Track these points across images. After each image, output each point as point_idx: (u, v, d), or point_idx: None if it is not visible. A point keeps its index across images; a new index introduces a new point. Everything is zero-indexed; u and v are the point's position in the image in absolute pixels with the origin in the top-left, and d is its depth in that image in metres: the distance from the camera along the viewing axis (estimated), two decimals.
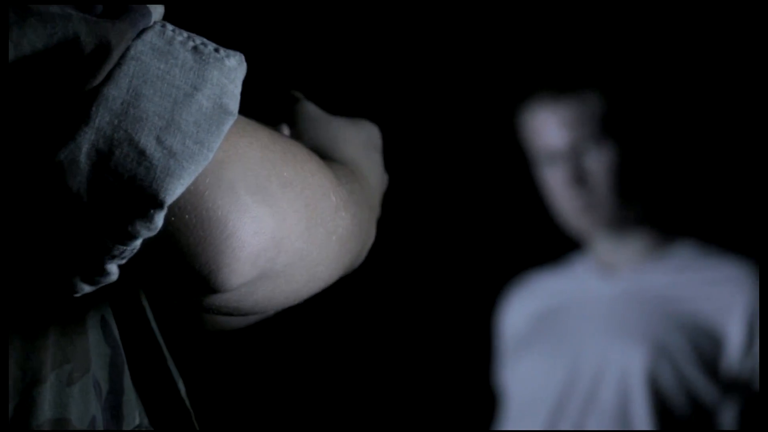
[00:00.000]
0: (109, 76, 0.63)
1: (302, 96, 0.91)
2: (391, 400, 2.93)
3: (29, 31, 0.62)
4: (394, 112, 2.87)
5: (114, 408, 0.73)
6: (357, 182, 0.82)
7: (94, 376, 0.71)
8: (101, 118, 0.63)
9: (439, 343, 2.93)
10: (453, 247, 2.95)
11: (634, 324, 2.12)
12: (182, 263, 0.66)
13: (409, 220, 2.92)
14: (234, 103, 0.66)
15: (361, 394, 2.93)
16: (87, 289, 0.65)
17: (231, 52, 0.68)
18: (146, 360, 0.76)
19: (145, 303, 0.77)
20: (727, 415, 2.09)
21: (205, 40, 0.67)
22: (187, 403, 0.78)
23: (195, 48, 0.66)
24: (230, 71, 0.67)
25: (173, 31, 0.66)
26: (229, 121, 0.65)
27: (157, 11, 0.67)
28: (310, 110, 0.90)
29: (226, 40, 0.74)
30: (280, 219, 0.68)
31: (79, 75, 0.63)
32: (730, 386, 2.09)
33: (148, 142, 0.63)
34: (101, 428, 0.71)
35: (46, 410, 0.68)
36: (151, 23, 0.66)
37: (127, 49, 0.64)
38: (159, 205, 0.63)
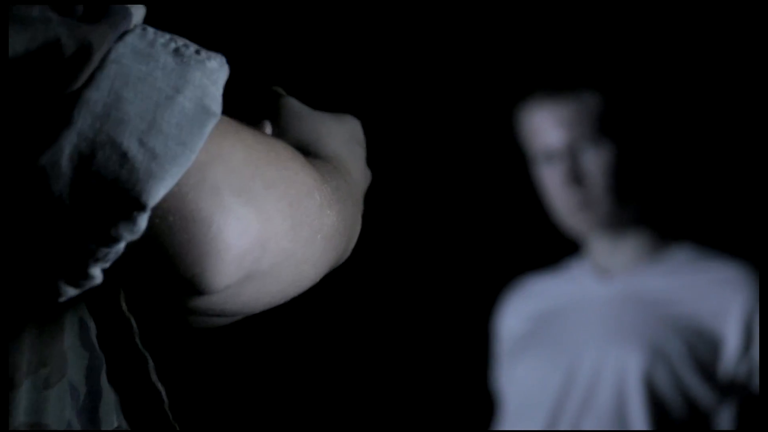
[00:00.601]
0: (91, 79, 0.63)
1: (284, 92, 0.91)
2: (388, 402, 2.93)
3: (10, 35, 0.62)
4: (394, 113, 2.87)
5: (91, 411, 0.72)
6: (341, 178, 0.82)
7: (71, 379, 0.71)
8: (83, 121, 0.62)
9: (436, 345, 2.93)
10: (450, 248, 2.94)
11: (630, 326, 2.12)
12: (167, 266, 0.66)
13: (407, 221, 2.91)
14: (216, 104, 0.66)
15: (357, 395, 2.93)
16: (71, 292, 0.65)
17: (212, 53, 0.68)
18: (125, 363, 0.76)
19: (125, 306, 0.77)
20: (724, 418, 2.08)
21: (186, 42, 0.67)
22: (167, 405, 0.78)
23: (176, 50, 0.66)
24: (212, 73, 0.67)
25: (154, 33, 0.67)
26: (212, 122, 0.65)
27: (139, 13, 0.67)
28: (293, 106, 0.90)
29: (209, 37, 0.74)
30: (265, 219, 0.68)
31: (60, 78, 0.63)
32: (727, 389, 2.08)
33: (131, 145, 0.63)
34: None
35: (20, 415, 0.68)
36: (132, 25, 0.66)
37: (108, 51, 0.64)
38: (142, 207, 0.63)
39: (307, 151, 0.84)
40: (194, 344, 2.80)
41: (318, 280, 0.78)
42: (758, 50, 2.59)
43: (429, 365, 2.93)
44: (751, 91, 2.68)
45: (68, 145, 0.62)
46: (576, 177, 2.13)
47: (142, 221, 0.63)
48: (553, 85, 2.15)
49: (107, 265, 0.65)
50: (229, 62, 0.69)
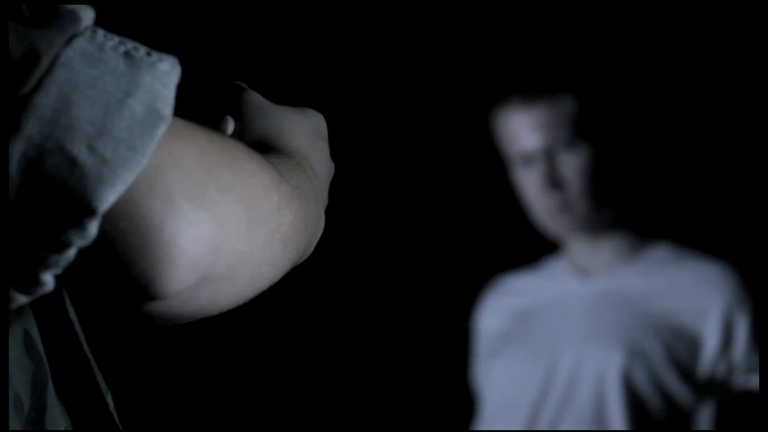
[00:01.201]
0: (39, 85, 0.62)
1: (247, 86, 0.90)
2: (367, 399, 2.93)
3: None
4: (373, 116, 2.87)
5: (36, 424, 0.71)
6: (303, 174, 0.81)
7: (15, 392, 0.70)
8: (31, 127, 0.62)
9: (414, 343, 2.93)
10: (429, 248, 2.95)
11: (610, 325, 2.12)
12: (120, 271, 0.65)
13: (387, 222, 2.91)
14: (167, 107, 0.65)
15: (337, 391, 2.93)
16: (22, 300, 0.64)
17: (164, 55, 0.67)
18: (73, 374, 0.75)
19: (73, 316, 0.76)
20: (703, 417, 2.09)
21: (137, 45, 0.66)
22: (116, 416, 0.77)
23: (126, 53, 0.65)
24: (163, 75, 0.66)
25: (104, 36, 0.65)
26: (163, 126, 0.65)
27: (88, 16, 0.66)
28: (255, 100, 0.88)
29: (171, 33, 0.73)
30: (219, 223, 0.67)
31: (7, 84, 0.62)
32: (706, 388, 2.09)
33: (80, 151, 0.62)
34: None
35: None
36: (82, 28, 0.65)
37: (57, 56, 0.63)
38: (92, 213, 0.62)
39: (270, 147, 0.83)
40: (171, 346, 2.80)
41: (278, 279, 0.77)
42: (732, 51, 2.61)
43: (408, 363, 2.93)
44: (727, 91, 2.69)
45: (16, 152, 0.61)
46: (553, 180, 2.13)
47: (93, 227, 0.62)
48: (529, 89, 2.16)
49: (59, 271, 0.64)
50: (191, 57, 0.67)
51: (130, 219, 0.64)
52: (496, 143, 2.24)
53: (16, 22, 0.63)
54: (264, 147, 0.82)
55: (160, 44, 0.69)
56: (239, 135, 0.85)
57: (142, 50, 0.66)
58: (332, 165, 0.91)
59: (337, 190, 0.92)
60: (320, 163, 0.87)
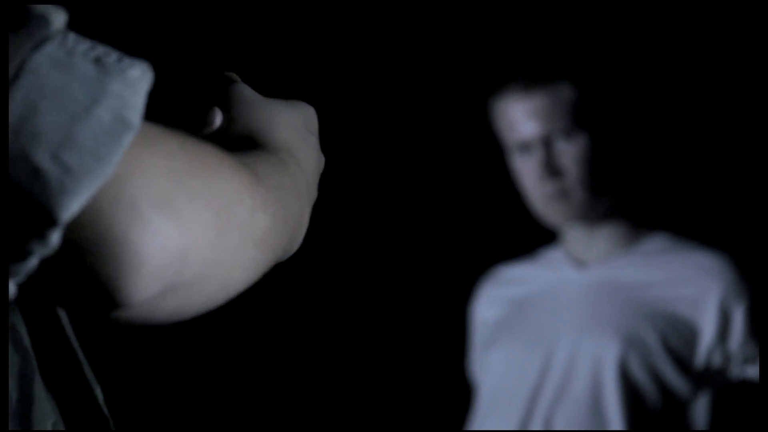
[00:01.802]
0: None
1: (237, 78, 0.88)
2: (365, 391, 2.93)
3: None
4: (369, 105, 2.87)
5: (23, 417, 0.71)
6: (285, 171, 0.80)
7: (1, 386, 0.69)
8: None
9: (412, 333, 2.93)
10: (426, 238, 2.94)
11: (606, 314, 2.13)
12: (84, 280, 0.64)
13: (383, 212, 2.91)
14: (135, 115, 0.64)
15: (333, 384, 2.93)
16: None
17: (135, 61, 0.65)
18: (61, 367, 0.75)
19: (61, 310, 0.75)
20: (700, 406, 2.09)
21: (108, 50, 0.65)
22: (105, 409, 0.76)
23: (97, 58, 0.64)
24: (133, 82, 0.64)
25: (75, 40, 0.64)
26: (130, 135, 0.63)
27: (59, 19, 0.64)
28: (244, 92, 0.86)
29: (160, 24, 0.72)
30: (186, 231, 0.66)
31: None
32: (702, 377, 2.09)
33: (44, 159, 0.61)
34: None
35: None
36: (52, 32, 0.64)
37: (24, 61, 0.62)
38: (53, 223, 0.61)
39: (257, 140, 0.82)
40: (154, 346, 2.80)
41: (252, 282, 0.76)
42: (730, 40, 2.61)
43: (405, 353, 2.94)
44: (724, 82, 2.69)
45: None
46: (551, 168, 2.13)
47: (55, 237, 0.61)
48: (527, 77, 2.16)
49: (21, 279, 0.63)
50: (179, 48, 0.66)
51: (94, 228, 0.63)
52: (494, 131, 2.23)
53: None
54: (251, 140, 0.82)
55: (151, 35, 0.68)
56: (226, 127, 0.83)
57: (114, 56, 0.65)
58: (322, 158, 0.89)
59: (331, 182, 0.91)
60: (308, 157, 0.86)
